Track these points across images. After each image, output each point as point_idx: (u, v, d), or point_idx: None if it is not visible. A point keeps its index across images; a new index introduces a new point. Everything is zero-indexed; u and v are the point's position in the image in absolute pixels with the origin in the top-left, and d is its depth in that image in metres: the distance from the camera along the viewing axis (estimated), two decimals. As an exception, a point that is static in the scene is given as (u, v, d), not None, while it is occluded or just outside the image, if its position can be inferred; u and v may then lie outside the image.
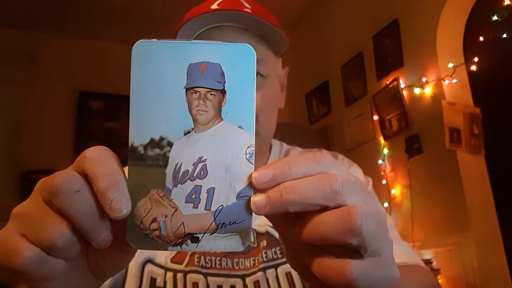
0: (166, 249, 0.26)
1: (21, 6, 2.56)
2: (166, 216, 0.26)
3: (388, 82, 2.10)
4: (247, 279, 0.54)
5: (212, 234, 0.26)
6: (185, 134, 0.26)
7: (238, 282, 0.54)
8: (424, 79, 1.90)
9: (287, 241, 0.29)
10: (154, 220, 0.26)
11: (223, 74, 0.26)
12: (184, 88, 0.26)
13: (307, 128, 2.75)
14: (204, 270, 0.54)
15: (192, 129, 0.26)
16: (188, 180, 0.26)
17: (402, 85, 2.02)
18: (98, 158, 0.26)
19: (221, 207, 0.26)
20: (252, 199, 0.26)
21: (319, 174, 0.25)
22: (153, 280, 0.54)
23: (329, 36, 2.71)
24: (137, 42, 0.26)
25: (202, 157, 0.26)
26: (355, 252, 0.25)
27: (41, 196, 0.26)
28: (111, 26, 2.85)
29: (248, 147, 0.26)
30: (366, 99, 2.29)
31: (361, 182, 0.28)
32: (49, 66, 2.81)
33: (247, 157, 0.26)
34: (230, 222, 0.26)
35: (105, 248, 0.26)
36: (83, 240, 0.26)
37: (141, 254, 0.56)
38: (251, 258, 0.56)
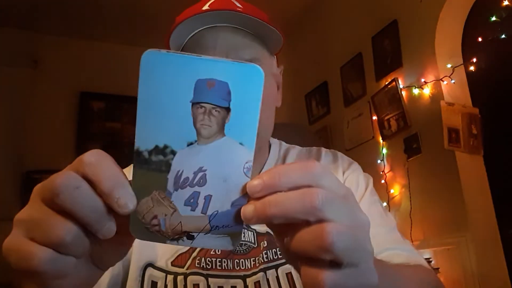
0: (164, 242, 0.29)
1: (23, 7, 2.57)
2: (165, 215, 0.28)
3: (387, 83, 2.11)
4: (248, 280, 0.54)
5: (206, 234, 0.29)
6: (188, 145, 0.27)
7: (239, 282, 0.54)
8: (422, 80, 1.91)
9: (281, 246, 0.31)
10: (155, 217, 0.28)
11: (229, 92, 0.27)
12: (190, 102, 0.27)
13: (306, 128, 2.76)
14: (205, 272, 0.54)
15: (195, 141, 0.28)
16: (188, 186, 0.28)
17: (401, 86, 2.02)
18: (98, 163, 0.27)
19: (216, 212, 0.28)
20: (242, 209, 0.28)
21: (303, 188, 0.27)
22: (154, 284, 0.54)
23: (329, 36, 2.71)
24: (146, 51, 0.26)
25: (202, 167, 0.28)
26: (332, 264, 0.27)
27: (41, 200, 0.27)
28: (113, 28, 2.86)
29: (246, 163, 0.28)
30: (365, 99, 2.30)
31: (346, 194, 0.29)
32: (50, 67, 2.82)
33: (245, 171, 0.28)
34: (223, 225, 0.29)
35: (106, 241, 0.28)
36: (89, 235, 0.27)
37: (141, 258, 0.56)
38: (252, 259, 0.56)
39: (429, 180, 1.86)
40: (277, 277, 0.55)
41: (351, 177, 0.65)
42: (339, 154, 0.70)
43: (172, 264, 0.55)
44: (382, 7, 2.21)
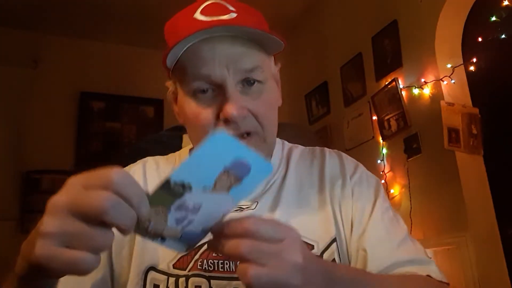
0: (144, 236, 0.40)
1: (23, 7, 2.57)
2: (157, 223, 0.39)
3: (387, 83, 2.11)
4: None
5: (174, 240, 0.41)
6: (202, 188, 0.38)
7: (240, 284, 0.53)
8: (422, 80, 1.91)
9: None
10: (149, 220, 0.38)
11: (248, 171, 0.39)
12: (222, 169, 0.38)
13: (306, 128, 2.76)
14: (207, 274, 0.54)
15: (210, 188, 0.38)
16: (184, 210, 0.39)
17: (401, 86, 2.02)
18: (127, 182, 0.35)
19: (189, 230, 0.41)
20: (208, 242, 0.41)
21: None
22: (156, 287, 0.54)
23: (329, 36, 2.71)
24: (221, 132, 0.36)
25: (202, 204, 0.39)
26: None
27: (72, 215, 0.34)
28: (113, 27, 2.86)
29: (227, 212, 0.41)
30: (365, 99, 2.30)
31: (281, 238, 0.39)
32: (51, 67, 2.82)
33: (221, 217, 0.41)
34: (187, 238, 0.42)
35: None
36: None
37: (143, 262, 0.56)
38: None
39: (429, 180, 1.86)
40: None
41: (358, 187, 0.63)
42: (344, 155, 0.69)
43: (174, 266, 0.55)
44: (382, 7, 2.21)
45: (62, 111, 2.83)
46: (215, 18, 0.55)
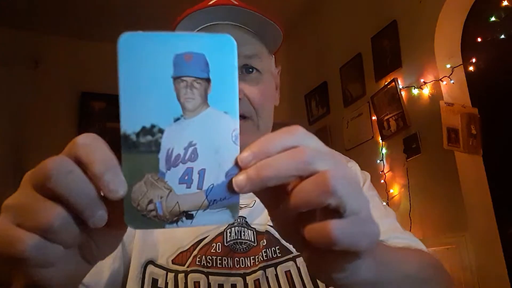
0: (163, 227, 0.28)
1: (24, 7, 2.57)
2: (161, 197, 0.28)
3: (386, 83, 2.11)
4: (248, 278, 0.55)
5: (205, 210, 0.28)
6: (174, 121, 0.27)
7: (239, 280, 0.54)
8: (422, 80, 1.91)
9: (277, 216, 0.32)
10: (151, 201, 0.27)
11: (207, 63, 0.27)
12: (171, 77, 0.27)
13: (306, 127, 2.76)
14: (205, 270, 0.54)
15: (182, 115, 0.28)
16: (180, 163, 0.28)
17: (400, 86, 2.03)
18: (91, 145, 0.27)
19: (211, 185, 0.28)
20: (234, 179, 0.28)
21: (291, 148, 0.28)
22: (154, 281, 0.54)
23: (328, 37, 2.72)
24: (122, 34, 0.27)
25: (192, 141, 0.28)
26: (336, 213, 0.27)
27: (32, 185, 0.27)
28: (114, 28, 2.86)
29: (233, 131, 0.28)
30: (364, 99, 2.30)
31: (331, 151, 0.30)
32: (51, 67, 2.82)
33: (233, 140, 0.28)
34: (220, 198, 0.28)
35: (96, 232, 0.27)
36: (79, 224, 0.26)
37: (142, 255, 0.56)
38: (251, 257, 0.56)
39: (428, 180, 1.86)
40: (276, 275, 0.55)
41: None
42: (336, 153, 0.70)
43: (173, 262, 0.55)
44: (381, 8, 2.22)
45: (62, 111, 2.83)
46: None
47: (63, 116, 2.82)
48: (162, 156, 0.27)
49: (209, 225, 0.29)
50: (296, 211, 0.28)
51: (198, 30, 0.59)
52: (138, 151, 0.27)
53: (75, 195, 0.25)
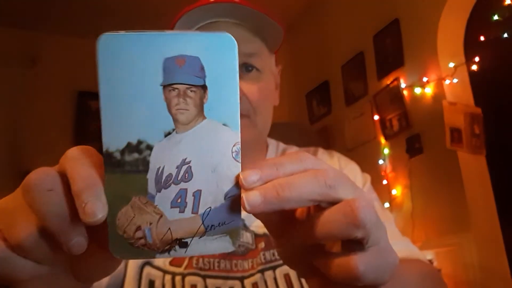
0: (153, 257, 0.25)
1: (20, 6, 2.55)
2: (151, 224, 0.24)
3: (388, 82, 2.10)
4: (246, 281, 0.54)
5: (201, 237, 0.25)
6: (165, 136, 0.24)
7: (236, 284, 0.54)
8: (425, 79, 1.90)
9: (283, 242, 0.29)
10: (138, 228, 0.24)
11: (202, 68, 0.24)
12: (161, 85, 0.23)
13: (307, 127, 2.75)
14: (202, 272, 0.54)
15: (173, 129, 0.24)
16: (172, 184, 0.24)
17: (403, 85, 2.01)
18: (78, 159, 0.24)
19: (209, 209, 0.25)
20: (245, 196, 0.24)
21: (309, 170, 0.25)
22: (151, 283, 0.54)
23: (330, 35, 2.70)
24: (101, 35, 0.23)
25: (185, 159, 0.24)
26: (357, 244, 0.25)
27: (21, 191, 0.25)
28: (111, 26, 2.83)
29: (234, 145, 0.24)
30: (366, 98, 2.28)
31: (345, 174, 0.27)
32: (48, 66, 2.81)
33: (234, 156, 0.25)
34: (219, 223, 0.25)
35: (89, 256, 0.25)
36: (56, 245, 0.24)
37: None
38: (250, 260, 0.56)
39: (431, 180, 1.85)
40: (275, 279, 0.55)
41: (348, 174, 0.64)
42: (336, 154, 0.69)
43: (170, 263, 0.55)
44: (383, 6, 2.20)
45: (59, 110, 2.82)
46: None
47: (60, 115, 2.81)
48: (151, 176, 0.24)
49: (206, 254, 0.25)
50: (316, 242, 0.25)
51: (196, 29, 0.57)
52: (123, 170, 0.23)
53: (49, 217, 0.23)
